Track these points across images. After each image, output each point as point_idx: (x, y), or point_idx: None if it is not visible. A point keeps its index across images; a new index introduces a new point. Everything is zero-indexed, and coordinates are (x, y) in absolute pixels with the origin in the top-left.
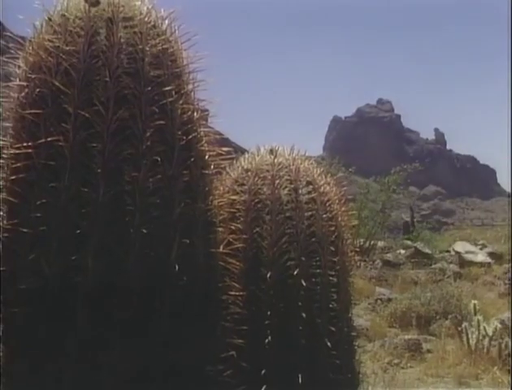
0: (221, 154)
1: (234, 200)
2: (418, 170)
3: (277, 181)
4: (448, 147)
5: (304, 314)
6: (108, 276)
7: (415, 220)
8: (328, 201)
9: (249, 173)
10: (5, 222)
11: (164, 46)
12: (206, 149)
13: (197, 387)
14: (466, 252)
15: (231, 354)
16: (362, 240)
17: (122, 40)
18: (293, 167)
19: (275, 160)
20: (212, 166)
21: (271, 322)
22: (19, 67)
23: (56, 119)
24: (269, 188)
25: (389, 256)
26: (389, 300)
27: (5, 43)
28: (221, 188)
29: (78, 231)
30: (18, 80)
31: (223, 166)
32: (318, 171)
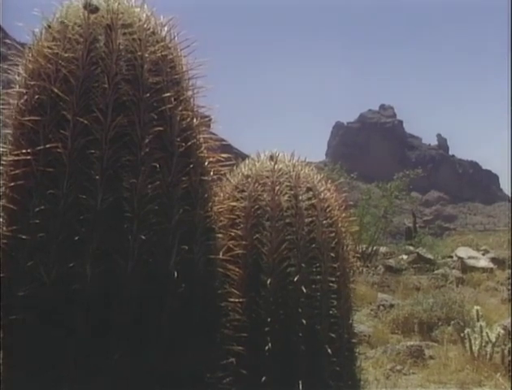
0: (221, 160)
1: (234, 206)
2: (420, 175)
3: (277, 187)
4: (450, 152)
5: (304, 321)
6: (106, 283)
7: (417, 226)
8: (328, 207)
9: (250, 179)
10: (4, 228)
11: (163, 53)
12: (206, 155)
13: None
14: (469, 257)
15: (230, 361)
16: (364, 245)
17: (121, 46)
18: (293, 174)
19: (276, 166)
20: (212, 173)
21: (270, 329)
22: (19, 74)
23: (55, 126)
24: (269, 195)
25: (391, 261)
26: (391, 306)
27: (5, 50)
28: (221, 195)
29: (76, 238)
30: (17, 86)
31: (223, 172)
32: (319, 177)
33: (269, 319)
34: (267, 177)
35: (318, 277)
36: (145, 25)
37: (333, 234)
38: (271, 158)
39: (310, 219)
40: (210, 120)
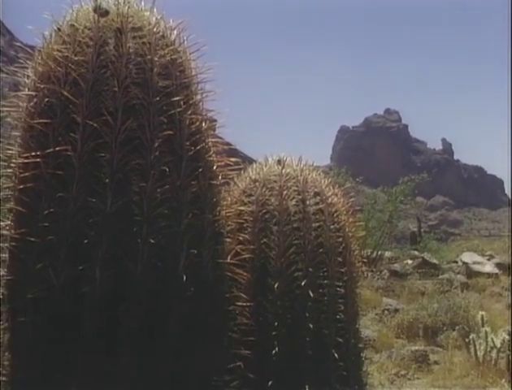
0: (229, 165)
1: (242, 210)
2: (425, 180)
3: (285, 192)
4: (455, 157)
5: (311, 325)
6: (115, 286)
7: (422, 230)
8: (336, 211)
9: (257, 184)
10: (13, 231)
11: (173, 57)
12: (214, 159)
13: None
14: (474, 262)
15: (238, 365)
16: (369, 250)
17: (131, 50)
18: (301, 178)
19: (283, 171)
20: (220, 177)
21: (278, 333)
22: (28, 76)
23: (64, 129)
24: (277, 199)
25: (396, 266)
26: (396, 310)
27: (14, 53)
28: (229, 199)
29: (86, 242)
30: (27, 89)
31: (231, 176)
32: (326, 182)
33: (276, 323)
34: (275, 181)
35: (326, 282)
36: (155, 29)
37: (341, 239)
38: (279, 162)
39: (318, 224)
40: (217, 124)
